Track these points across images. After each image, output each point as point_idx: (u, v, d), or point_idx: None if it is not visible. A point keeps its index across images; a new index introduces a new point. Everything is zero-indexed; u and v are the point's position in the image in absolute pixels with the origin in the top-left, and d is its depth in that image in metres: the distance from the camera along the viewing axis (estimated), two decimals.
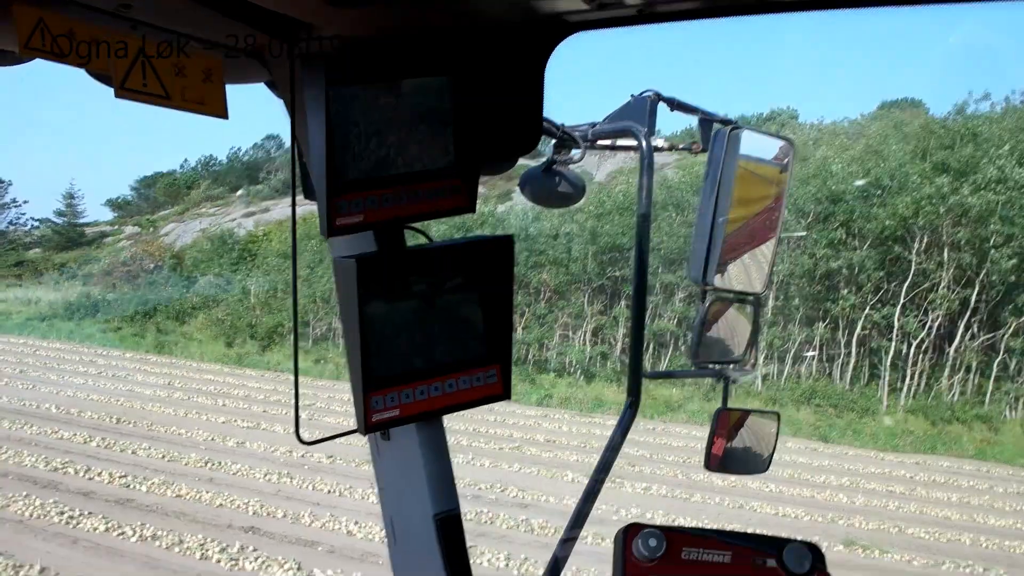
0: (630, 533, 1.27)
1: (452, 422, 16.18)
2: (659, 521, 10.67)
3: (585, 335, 22.42)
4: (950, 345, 19.50)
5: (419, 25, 1.11)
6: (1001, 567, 10.46)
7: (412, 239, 1.21)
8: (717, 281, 1.56)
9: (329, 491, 11.46)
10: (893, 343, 19.65)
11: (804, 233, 20.24)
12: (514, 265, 1.21)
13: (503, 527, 10.51)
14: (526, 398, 19.98)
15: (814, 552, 1.27)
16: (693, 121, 1.78)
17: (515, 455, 14.55)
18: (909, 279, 19.51)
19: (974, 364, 19.32)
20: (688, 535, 1.28)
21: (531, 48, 1.22)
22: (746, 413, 1.80)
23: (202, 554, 8.85)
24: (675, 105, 1.78)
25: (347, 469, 12.40)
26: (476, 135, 1.15)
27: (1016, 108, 27.00)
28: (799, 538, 1.29)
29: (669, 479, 13.56)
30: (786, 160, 1.70)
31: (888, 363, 19.66)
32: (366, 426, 1.13)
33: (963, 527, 12.05)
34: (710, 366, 1.77)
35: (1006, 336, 18.82)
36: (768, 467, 1.79)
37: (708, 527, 1.36)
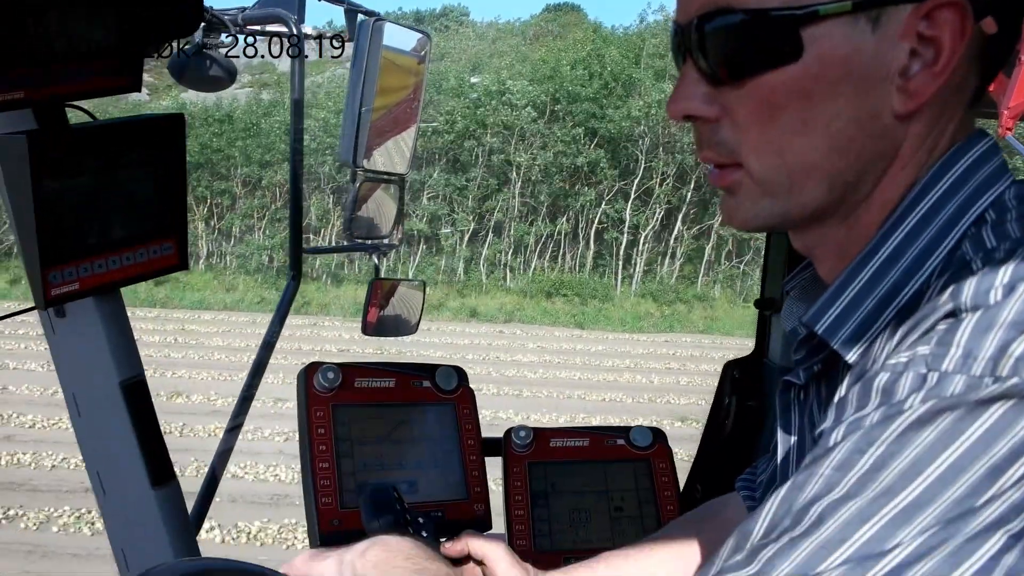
0: (310, 370, 1.46)
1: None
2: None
3: (331, 237, 21.54)
4: (670, 235, 21.97)
5: None
6: None
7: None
8: (365, 164, 1.69)
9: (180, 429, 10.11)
10: (624, 235, 21.64)
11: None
12: (186, 141, 1.28)
13: None
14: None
15: (459, 373, 1.57)
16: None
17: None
18: (639, 177, 21.46)
19: (685, 252, 22.05)
20: (360, 368, 1.50)
21: None
22: (396, 283, 2.06)
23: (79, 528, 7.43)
24: None
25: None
26: (138, 15, 1.17)
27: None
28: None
29: (494, 377, 13.90)
30: (423, 52, 1.85)
31: (621, 253, 21.65)
32: (45, 301, 1.16)
33: None
34: (363, 241, 1.97)
35: (714, 226, 21.66)
36: (416, 329, 2.05)
37: (383, 361, 1.58)
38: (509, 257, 21.58)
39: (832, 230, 0.71)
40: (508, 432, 1.56)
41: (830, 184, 0.67)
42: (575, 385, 13.84)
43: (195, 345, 15.03)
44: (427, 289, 2.13)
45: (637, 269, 21.69)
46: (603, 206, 21.58)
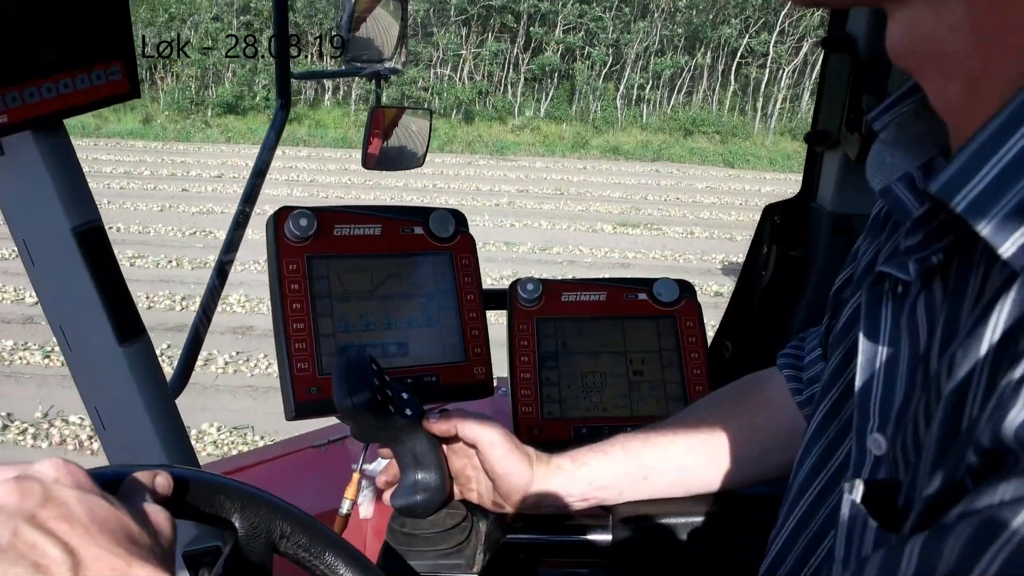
0: (280, 216, 1.27)
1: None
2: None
3: (462, 73, 20.82)
4: (813, 70, 21.08)
5: None
6: None
7: None
8: None
9: None
10: (767, 70, 20.79)
11: None
12: None
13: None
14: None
15: (457, 217, 1.35)
16: None
17: (511, 209, 13.66)
18: (786, 7, 20.35)
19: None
20: (340, 212, 1.31)
21: None
22: (401, 110, 1.86)
23: None
24: None
25: None
26: None
27: None
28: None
29: (690, 220, 13.69)
30: None
31: (762, 90, 20.89)
32: None
33: None
34: (362, 65, 1.79)
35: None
36: (423, 162, 1.84)
37: (366, 204, 1.36)
38: (646, 92, 20.89)
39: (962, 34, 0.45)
40: (514, 284, 1.40)
41: None
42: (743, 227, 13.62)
43: (384, 186, 14.82)
44: (433, 119, 1.91)
45: (775, 106, 21.00)
46: (746, 39, 20.63)
